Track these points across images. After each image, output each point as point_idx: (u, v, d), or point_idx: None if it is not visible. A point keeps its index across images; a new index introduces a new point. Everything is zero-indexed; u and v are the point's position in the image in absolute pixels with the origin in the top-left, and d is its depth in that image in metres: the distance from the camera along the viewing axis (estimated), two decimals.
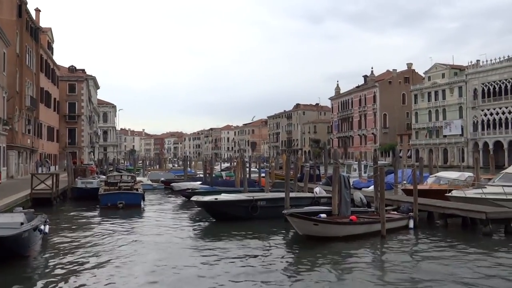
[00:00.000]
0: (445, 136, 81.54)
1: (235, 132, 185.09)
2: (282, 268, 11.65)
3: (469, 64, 77.75)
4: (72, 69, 71.68)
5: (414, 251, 14.02)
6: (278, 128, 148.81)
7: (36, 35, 46.27)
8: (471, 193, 19.73)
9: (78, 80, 68.25)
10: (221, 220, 19.33)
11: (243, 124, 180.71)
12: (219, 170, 51.05)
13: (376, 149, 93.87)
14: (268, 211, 19.56)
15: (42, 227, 13.71)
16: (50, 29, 58.46)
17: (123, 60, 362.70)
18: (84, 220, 20.64)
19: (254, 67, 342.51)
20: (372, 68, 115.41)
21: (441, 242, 15.00)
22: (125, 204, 24.12)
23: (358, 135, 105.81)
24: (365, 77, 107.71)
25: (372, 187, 22.66)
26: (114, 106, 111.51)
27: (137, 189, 26.97)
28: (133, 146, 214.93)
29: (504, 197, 18.25)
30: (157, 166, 70.17)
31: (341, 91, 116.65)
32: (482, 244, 14.62)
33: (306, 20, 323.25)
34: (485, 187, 20.01)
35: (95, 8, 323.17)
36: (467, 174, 26.70)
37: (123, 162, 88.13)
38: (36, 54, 46.40)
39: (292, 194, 20.62)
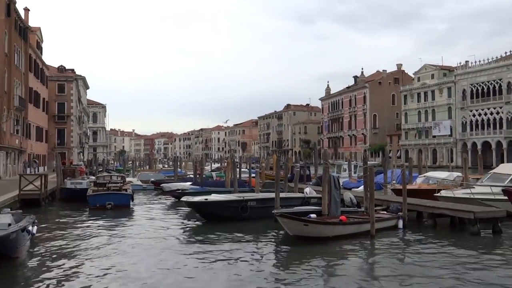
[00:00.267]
0: (434, 136, 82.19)
1: (225, 133, 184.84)
2: (272, 269, 11.67)
3: (458, 65, 78.36)
4: (61, 69, 71.01)
5: (403, 250, 14.14)
6: (268, 129, 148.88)
7: (25, 35, 45.82)
8: (459, 193, 19.95)
9: (67, 80, 67.75)
10: (211, 221, 19.31)
11: (234, 125, 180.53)
12: (210, 170, 51.01)
13: (366, 149, 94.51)
14: (258, 212, 19.59)
15: (30, 228, 13.56)
16: (39, 28, 57.93)
17: (113, 60, 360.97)
18: (72, 221, 20.50)
19: (245, 67, 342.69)
20: (362, 68, 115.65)
21: (429, 241, 15.13)
22: (114, 205, 24.04)
23: (348, 135, 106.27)
24: (355, 77, 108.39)
25: (362, 187, 22.76)
26: (104, 106, 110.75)
27: (126, 190, 26.84)
28: (123, 146, 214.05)
29: (492, 197, 18.48)
30: (147, 167, 69.87)
31: (332, 92, 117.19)
32: (470, 243, 14.79)
33: (297, 21, 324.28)
34: (474, 187, 20.24)
35: (85, 8, 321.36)
36: (456, 174, 26.99)
37: (113, 162, 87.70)
38: (25, 54, 45.94)
39: (282, 195, 20.68)
